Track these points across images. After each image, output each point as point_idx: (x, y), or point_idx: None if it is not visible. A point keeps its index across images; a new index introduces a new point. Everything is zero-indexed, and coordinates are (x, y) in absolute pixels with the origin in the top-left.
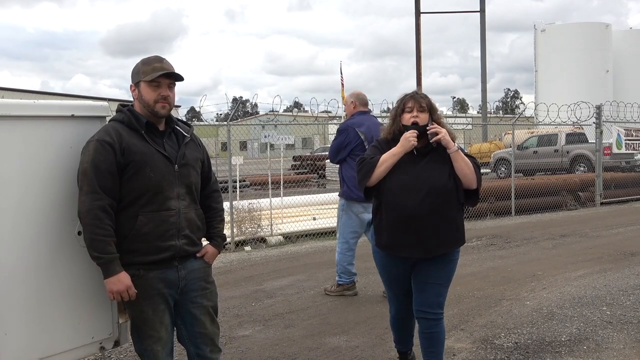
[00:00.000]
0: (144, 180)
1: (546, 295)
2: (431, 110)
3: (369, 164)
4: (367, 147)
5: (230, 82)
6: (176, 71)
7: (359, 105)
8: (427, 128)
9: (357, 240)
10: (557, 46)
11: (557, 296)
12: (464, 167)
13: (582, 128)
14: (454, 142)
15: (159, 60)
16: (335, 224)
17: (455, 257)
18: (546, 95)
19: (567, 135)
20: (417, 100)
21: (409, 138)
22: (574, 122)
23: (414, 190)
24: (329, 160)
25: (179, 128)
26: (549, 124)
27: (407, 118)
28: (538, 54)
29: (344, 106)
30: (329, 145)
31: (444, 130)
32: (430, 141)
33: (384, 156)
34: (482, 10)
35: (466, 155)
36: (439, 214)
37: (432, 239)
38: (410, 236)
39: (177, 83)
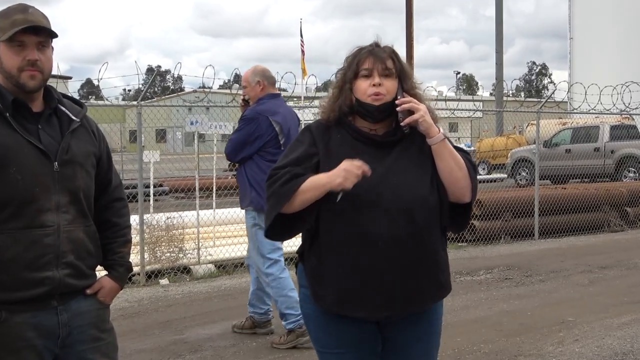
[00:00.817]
0: (6, 184)
1: (579, 350)
2: (402, 74)
3: (287, 182)
4: (282, 142)
5: (144, 45)
6: (50, 25)
7: (267, 86)
8: (396, 101)
9: (282, 254)
10: (601, 5)
11: (593, 351)
12: (453, 168)
13: (633, 119)
14: (438, 126)
15: (22, 10)
16: (291, 249)
17: (440, 312)
18: (584, 72)
19: (612, 128)
20: (379, 57)
21: (351, 170)
22: (621, 111)
23: (376, 207)
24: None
25: (64, 109)
26: (587, 112)
27: (364, 87)
28: (574, 15)
29: (304, 81)
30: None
31: (422, 107)
32: (401, 124)
33: (315, 180)
34: None
35: (455, 148)
36: (418, 246)
37: (408, 286)
38: (373, 284)
39: (55, 43)
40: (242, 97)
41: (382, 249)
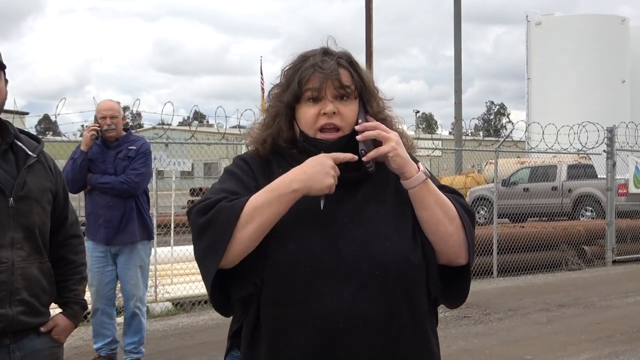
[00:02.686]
0: None
1: None
2: (364, 92)
3: (221, 215)
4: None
5: (103, 81)
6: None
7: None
8: (357, 127)
9: None
10: (557, 46)
11: None
12: (440, 219)
13: (590, 158)
14: (416, 161)
15: None
16: None
17: None
18: (542, 112)
19: (570, 167)
20: (331, 72)
21: (327, 165)
22: (578, 150)
23: (334, 271)
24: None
25: (20, 144)
26: (544, 152)
27: (310, 117)
28: (531, 56)
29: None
30: None
31: (392, 136)
32: (363, 159)
33: (257, 199)
34: None
35: (442, 188)
36: (397, 327)
37: None
38: None
39: (14, 78)
40: (96, 127)
41: (344, 333)
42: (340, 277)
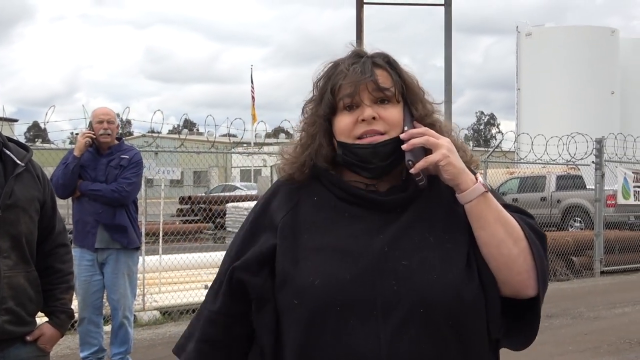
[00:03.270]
0: None
1: None
2: (408, 94)
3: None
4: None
5: (93, 88)
6: None
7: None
8: (401, 135)
9: None
10: (547, 56)
11: None
12: (502, 239)
13: (579, 169)
14: (475, 173)
15: None
16: None
17: None
18: (531, 122)
19: (558, 178)
20: (367, 74)
21: None
22: (567, 161)
23: (371, 310)
24: (231, 205)
25: (8, 153)
26: (533, 162)
27: (347, 125)
28: (521, 67)
29: (254, 127)
30: (230, 183)
31: (443, 142)
32: (411, 171)
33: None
34: (447, 4)
35: (507, 207)
36: None
37: None
38: None
39: (3, 84)
40: (91, 134)
41: None
42: (377, 315)
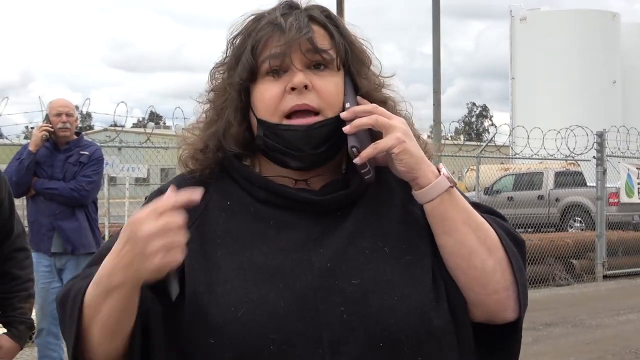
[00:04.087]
0: None
1: None
2: (351, 58)
3: (67, 311)
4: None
5: (50, 78)
6: None
7: None
8: (342, 114)
9: None
10: (543, 43)
11: None
12: (472, 244)
13: (578, 165)
14: (436, 163)
15: None
16: None
17: None
18: (527, 115)
19: (557, 174)
20: (300, 29)
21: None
22: (566, 156)
23: (318, 344)
24: None
25: None
26: (530, 158)
27: (272, 97)
28: (516, 54)
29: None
30: None
31: (396, 122)
32: (355, 161)
33: (89, 292)
34: None
35: (476, 207)
36: None
37: None
38: None
39: None
40: (48, 127)
41: None
42: (323, 354)
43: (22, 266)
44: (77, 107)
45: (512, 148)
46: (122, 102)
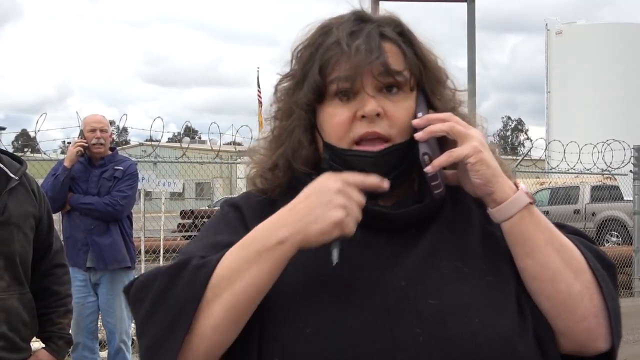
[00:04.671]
0: None
1: None
2: (425, 77)
3: (173, 292)
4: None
5: (87, 93)
6: None
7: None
8: (414, 121)
9: None
10: (579, 56)
11: None
12: (556, 266)
13: (615, 179)
14: (513, 178)
15: None
16: None
17: None
18: (562, 128)
19: (593, 188)
20: (371, 48)
21: (353, 184)
22: (602, 170)
23: None
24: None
25: (1, 166)
26: (566, 172)
27: (340, 123)
28: (551, 67)
29: (261, 135)
30: (235, 195)
31: (474, 133)
32: (426, 169)
33: (226, 261)
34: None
35: (560, 227)
36: None
37: None
38: None
39: None
40: (83, 143)
41: None
42: None
43: (61, 282)
44: (113, 122)
45: (547, 162)
46: (159, 117)
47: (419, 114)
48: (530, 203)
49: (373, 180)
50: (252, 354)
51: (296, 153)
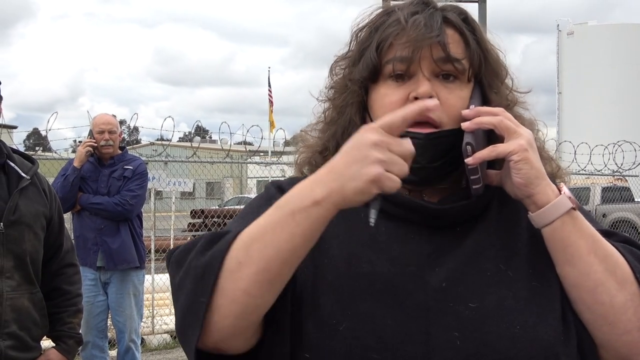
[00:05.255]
0: None
1: None
2: (484, 70)
3: (199, 259)
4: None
5: (98, 92)
6: None
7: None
8: (464, 112)
9: None
10: (590, 57)
11: None
12: (598, 277)
13: (626, 180)
14: (556, 182)
15: None
16: None
17: None
18: (573, 129)
19: (604, 189)
20: (432, 33)
21: (393, 130)
22: (613, 172)
23: None
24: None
25: (13, 165)
26: (576, 173)
27: (391, 102)
28: (563, 68)
29: (272, 135)
30: (246, 195)
31: (523, 131)
32: (467, 160)
33: (256, 224)
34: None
35: (606, 234)
36: None
37: None
38: None
39: (2, 90)
40: (92, 143)
41: None
42: None
43: (72, 282)
44: (124, 122)
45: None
46: (170, 116)
47: (472, 106)
48: (573, 208)
49: (414, 107)
50: (284, 346)
51: (346, 133)
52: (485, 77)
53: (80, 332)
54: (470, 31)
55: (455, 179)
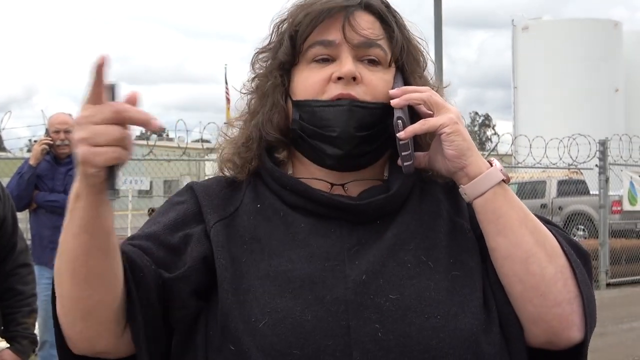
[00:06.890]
0: None
1: None
2: (406, 57)
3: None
4: None
5: (53, 91)
6: None
7: None
8: (391, 91)
9: None
10: (545, 52)
11: None
12: (529, 247)
13: (581, 173)
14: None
15: None
16: None
17: None
18: (529, 123)
19: (560, 183)
20: (354, 16)
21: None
22: (568, 165)
23: (340, 358)
24: None
25: None
26: (532, 167)
27: (317, 82)
28: (518, 63)
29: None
30: None
31: (448, 105)
32: (398, 134)
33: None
34: None
35: (542, 220)
36: None
37: None
38: None
39: None
40: (48, 141)
41: None
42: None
43: (25, 282)
44: None
45: (514, 157)
46: None
47: (396, 86)
48: (504, 180)
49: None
50: (197, 343)
51: (269, 121)
52: (406, 63)
53: (35, 332)
54: (393, 18)
55: (376, 171)
